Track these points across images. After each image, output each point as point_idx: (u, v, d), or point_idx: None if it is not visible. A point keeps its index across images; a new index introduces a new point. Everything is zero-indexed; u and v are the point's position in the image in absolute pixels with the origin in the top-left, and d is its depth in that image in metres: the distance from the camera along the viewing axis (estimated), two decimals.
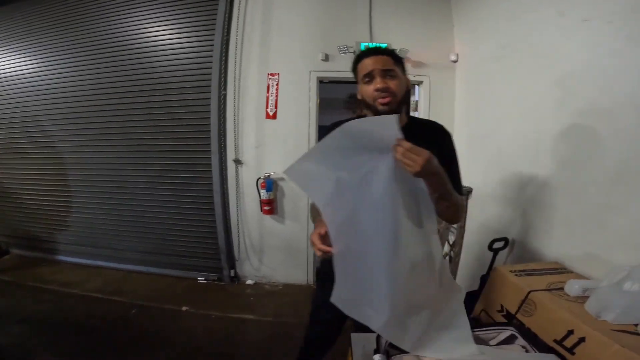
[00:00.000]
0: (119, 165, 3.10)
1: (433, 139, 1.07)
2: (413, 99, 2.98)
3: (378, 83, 1.07)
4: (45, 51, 3.22)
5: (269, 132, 2.89)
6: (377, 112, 1.08)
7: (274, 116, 2.88)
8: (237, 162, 2.93)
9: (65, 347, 2.25)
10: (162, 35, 2.93)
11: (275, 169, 2.89)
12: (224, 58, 2.82)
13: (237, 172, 2.94)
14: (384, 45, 2.26)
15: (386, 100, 1.07)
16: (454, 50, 2.78)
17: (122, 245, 3.31)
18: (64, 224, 3.45)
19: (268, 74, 2.86)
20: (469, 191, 2.47)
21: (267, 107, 2.89)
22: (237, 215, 3.00)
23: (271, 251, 3.07)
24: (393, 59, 1.10)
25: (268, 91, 2.87)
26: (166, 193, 3.04)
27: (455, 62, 2.78)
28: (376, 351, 0.95)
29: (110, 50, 3.04)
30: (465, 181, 2.55)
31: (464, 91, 2.72)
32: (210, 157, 2.91)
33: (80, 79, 3.14)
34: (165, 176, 3.04)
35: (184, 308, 2.76)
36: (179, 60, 2.91)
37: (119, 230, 3.27)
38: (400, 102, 1.10)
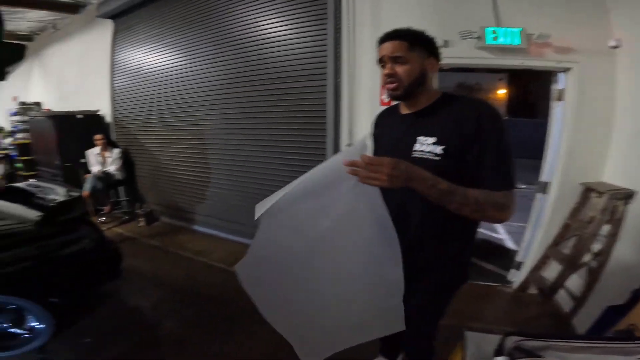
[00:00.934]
0: (247, 146, 3.51)
1: (457, 117, 1.05)
2: (556, 86, 2.57)
3: (386, 69, 1.13)
4: (191, 46, 3.86)
5: None
6: (389, 97, 1.18)
7: (389, 103, 2.81)
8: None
9: (189, 314, 2.59)
10: (280, 28, 3.19)
11: None
12: (337, 47, 2.89)
13: None
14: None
15: (392, 86, 1.13)
16: (612, 35, 2.33)
17: (244, 219, 3.71)
18: (202, 197, 4.06)
19: None
20: (630, 195, 2.07)
21: (382, 94, 2.83)
22: None
23: None
24: (409, 42, 1.09)
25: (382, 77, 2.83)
26: (283, 174, 3.27)
27: (615, 47, 2.32)
28: (498, 352, 0.87)
29: (239, 44, 3.46)
30: (627, 182, 2.15)
31: (630, 81, 2.27)
32: (325, 142, 3.01)
33: (218, 70, 3.65)
34: (283, 157, 3.28)
35: None
36: (296, 51, 3.12)
37: (242, 205, 3.68)
38: (408, 88, 1.12)
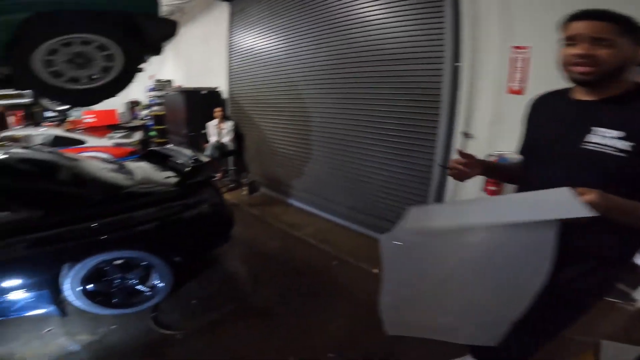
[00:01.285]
0: (350, 127, 3.55)
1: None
2: None
3: (580, 49, 0.98)
4: (300, 27, 3.99)
5: (510, 108, 2.57)
6: (572, 80, 1.04)
7: (520, 92, 2.53)
8: (466, 135, 2.77)
9: (278, 284, 2.73)
10: (392, 8, 3.06)
11: (511, 148, 2.54)
12: (456, 29, 2.68)
13: (464, 145, 2.79)
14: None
15: (585, 69, 0.99)
16: None
17: (336, 198, 3.83)
18: (299, 172, 4.32)
19: (513, 47, 2.52)
20: None
21: (511, 81, 2.56)
22: (455, 191, 2.87)
23: None
24: (620, 26, 0.95)
25: (512, 65, 2.54)
26: (385, 157, 3.25)
27: None
28: None
29: (348, 25, 3.44)
30: None
31: None
32: (436, 127, 2.88)
33: (326, 50, 3.73)
34: (387, 140, 3.24)
35: (374, 270, 2.90)
36: (408, 32, 2.97)
37: (337, 184, 3.79)
38: (605, 74, 0.98)
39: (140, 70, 2.09)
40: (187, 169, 2.53)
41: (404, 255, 1.12)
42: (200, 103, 5.47)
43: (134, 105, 9.98)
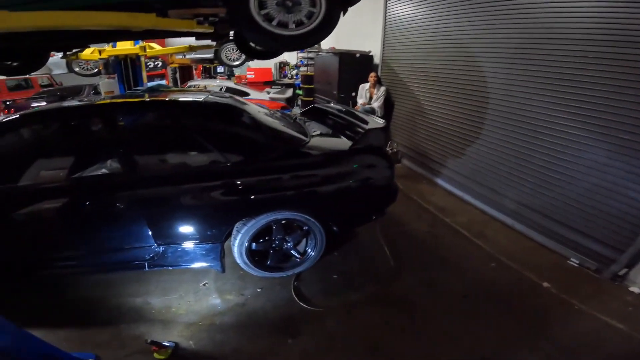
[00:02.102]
0: (547, 109, 2.82)
1: None
2: None
3: None
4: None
5: None
6: None
7: None
8: None
9: (424, 274, 2.43)
10: None
11: None
12: None
13: None
14: None
15: None
16: None
17: (502, 189, 3.25)
18: (457, 152, 3.82)
19: None
20: None
21: None
22: None
23: None
24: None
25: None
26: (602, 154, 2.46)
27: None
28: None
29: None
30: None
31: None
32: None
33: (508, 27, 3.07)
34: (609, 135, 2.41)
35: (545, 284, 2.39)
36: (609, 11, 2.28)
37: (508, 174, 3.19)
38: None
39: (337, 20, 1.99)
40: (363, 132, 2.32)
41: None
42: (353, 66, 5.40)
43: (283, 65, 10.83)
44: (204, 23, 2.18)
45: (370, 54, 5.54)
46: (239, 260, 2.22)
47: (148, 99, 2.33)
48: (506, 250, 2.79)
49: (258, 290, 2.28)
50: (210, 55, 6.88)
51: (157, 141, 2.13)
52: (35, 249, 1.97)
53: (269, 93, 7.17)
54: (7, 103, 7.67)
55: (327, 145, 2.41)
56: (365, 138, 2.30)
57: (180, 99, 2.46)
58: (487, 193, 3.42)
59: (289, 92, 7.46)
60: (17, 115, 2.06)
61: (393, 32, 5.01)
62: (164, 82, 8.87)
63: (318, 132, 2.59)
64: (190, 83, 8.31)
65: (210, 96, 2.47)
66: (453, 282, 2.41)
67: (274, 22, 1.84)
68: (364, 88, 4.99)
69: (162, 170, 2.07)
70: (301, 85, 7.87)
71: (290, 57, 10.19)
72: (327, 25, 1.92)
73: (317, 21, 1.88)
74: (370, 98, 4.92)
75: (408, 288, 2.34)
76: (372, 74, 4.84)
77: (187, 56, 7.17)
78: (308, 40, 1.95)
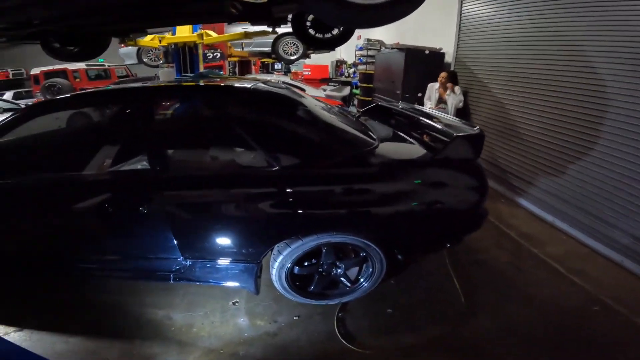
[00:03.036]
0: None
1: None
2: None
3: None
4: None
5: None
6: None
7: None
8: None
9: (504, 316, 1.91)
10: None
11: None
12: None
13: None
14: None
15: None
16: None
17: (614, 219, 2.49)
18: (552, 169, 3.06)
19: None
20: None
21: None
22: None
23: None
24: None
25: None
26: None
27: None
28: None
29: None
30: None
31: None
32: None
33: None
34: None
35: None
36: None
37: (626, 201, 2.41)
38: None
39: None
40: (449, 140, 1.74)
41: None
42: (421, 64, 4.83)
43: (339, 63, 10.50)
44: None
45: (442, 51, 4.92)
46: (276, 284, 1.84)
47: (182, 84, 2.05)
48: (613, 291, 2.17)
49: (294, 318, 1.89)
50: (267, 49, 6.77)
51: (191, 134, 1.83)
52: (55, 244, 1.78)
53: (325, 90, 6.88)
54: None
55: (401, 153, 1.90)
56: (453, 147, 1.72)
57: (223, 84, 2.14)
58: (591, 221, 2.67)
59: (346, 90, 7.09)
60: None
61: (470, 27, 4.36)
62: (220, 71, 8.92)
63: (385, 136, 2.10)
64: (247, 77, 8.33)
65: (260, 84, 2.09)
66: (540, 327, 1.87)
67: None
68: (432, 88, 4.38)
69: (194, 169, 1.77)
70: (359, 84, 7.44)
71: (348, 55, 9.83)
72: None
73: None
74: (440, 100, 4.30)
75: (482, 332, 1.83)
76: (443, 74, 4.20)
77: (245, 49, 7.12)
78: (395, 10, 1.49)
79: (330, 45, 3.31)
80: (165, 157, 1.71)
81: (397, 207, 1.74)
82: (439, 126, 1.95)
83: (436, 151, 1.76)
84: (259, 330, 1.81)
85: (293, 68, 11.91)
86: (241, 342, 1.73)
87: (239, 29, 5.66)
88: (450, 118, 2.20)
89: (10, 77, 13.30)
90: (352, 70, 9.19)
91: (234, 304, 1.99)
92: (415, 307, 2.01)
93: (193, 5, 2.40)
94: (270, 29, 3.28)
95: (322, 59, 9.47)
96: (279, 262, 1.73)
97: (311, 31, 3.20)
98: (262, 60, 9.32)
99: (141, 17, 2.59)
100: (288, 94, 2.10)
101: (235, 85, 2.12)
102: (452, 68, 4.68)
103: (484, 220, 1.96)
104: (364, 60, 7.64)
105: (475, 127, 1.93)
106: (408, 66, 4.84)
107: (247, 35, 4.35)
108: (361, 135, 1.92)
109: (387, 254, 1.83)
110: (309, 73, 9.40)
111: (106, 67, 10.21)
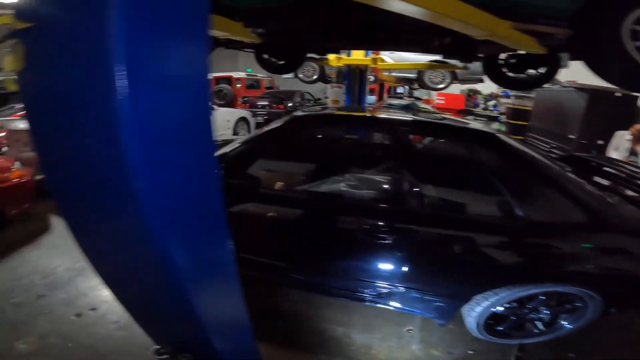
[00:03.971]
0: None
1: None
2: None
3: None
4: None
5: None
6: None
7: None
8: None
9: None
10: None
11: None
12: None
13: None
14: None
15: None
16: None
17: None
18: None
19: None
20: None
21: None
22: None
23: None
24: None
25: None
26: None
27: None
28: None
29: None
30: None
31: None
32: None
33: None
34: None
35: None
36: None
37: None
38: None
39: None
40: None
41: None
42: (607, 107, 4.25)
43: (472, 93, 10.00)
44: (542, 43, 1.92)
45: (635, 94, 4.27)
46: (469, 326, 1.82)
47: (438, 121, 2.13)
48: None
49: (469, 352, 1.87)
50: (412, 75, 6.90)
51: (436, 171, 1.93)
52: (285, 253, 1.95)
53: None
54: (245, 99, 9.60)
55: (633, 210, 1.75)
56: None
57: (473, 127, 2.20)
58: None
59: (494, 127, 6.67)
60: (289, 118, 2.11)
61: None
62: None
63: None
64: (387, 101, 8.63)
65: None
66: None
67: None
68: (622, 137, 3.81)
69: (448, 209, 1.83)
70: (506, 120, 6.97)
71: (484, 85, 9.27)
72: None
73: None
74: (631, 152, 3.72)
75: None
76: (638, 126, 3.63)
77: (392, 74, 7.37)
78: None
79: (529, 86, 3.20)
80: (408, 190, 1.78)
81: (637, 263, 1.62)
82: None
83: None
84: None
85: (416, 93, 11.73)
86: None
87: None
88: None
89: None
90: (491, 102, 8.68)
91: (408, 331, 2.02)
92: (600, 355, 1.82)
93: (408, 37, 2.61)
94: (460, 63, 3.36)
95: (454, 87, 9.13)
96: (483, 307, 1.71)
97: (504, 70, 3.16)
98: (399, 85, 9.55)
99: (359, 40, 2.89)
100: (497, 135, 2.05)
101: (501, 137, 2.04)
102: None
103: None
104: (511, 93, 7.16)
105: None
106: (590, 109, 4.34)
107: (432, 66, 4.49)
108: (595, 190, 1.82)
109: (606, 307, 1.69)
110: (443, 102, 9.13)
111: (258, 77, 11.46)
